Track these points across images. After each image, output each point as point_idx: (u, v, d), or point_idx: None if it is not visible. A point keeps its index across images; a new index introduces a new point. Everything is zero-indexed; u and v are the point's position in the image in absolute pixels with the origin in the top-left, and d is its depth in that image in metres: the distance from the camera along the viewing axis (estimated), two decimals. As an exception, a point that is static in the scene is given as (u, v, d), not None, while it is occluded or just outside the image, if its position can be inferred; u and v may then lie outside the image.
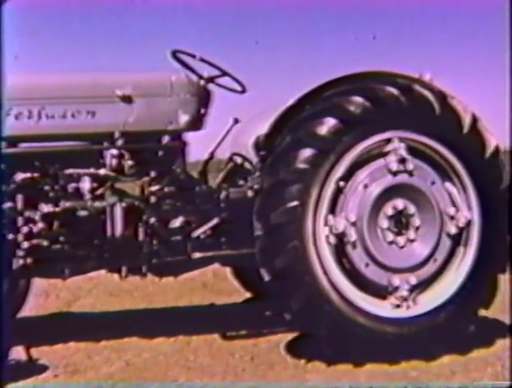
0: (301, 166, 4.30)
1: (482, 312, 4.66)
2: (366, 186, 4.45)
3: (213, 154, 5.16)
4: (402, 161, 4.49)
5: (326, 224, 4.37)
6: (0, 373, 3.88)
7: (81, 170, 4.60)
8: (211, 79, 5.04)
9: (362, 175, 4.47)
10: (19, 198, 4.43)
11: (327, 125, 4.34)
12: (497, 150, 4.65)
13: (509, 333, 4.76)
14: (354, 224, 4.39)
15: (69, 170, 4.59)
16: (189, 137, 4.89)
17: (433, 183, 4.58)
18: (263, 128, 4.78)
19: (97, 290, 6.70)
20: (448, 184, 4.64)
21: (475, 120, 4.59)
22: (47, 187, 4.53)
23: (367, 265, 4.44)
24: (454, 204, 4.62)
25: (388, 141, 4.50)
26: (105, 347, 4.80)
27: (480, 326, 4.63)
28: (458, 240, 4.63)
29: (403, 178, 4.52)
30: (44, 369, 4.32)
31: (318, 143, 4.32)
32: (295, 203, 4.28)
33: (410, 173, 4.52)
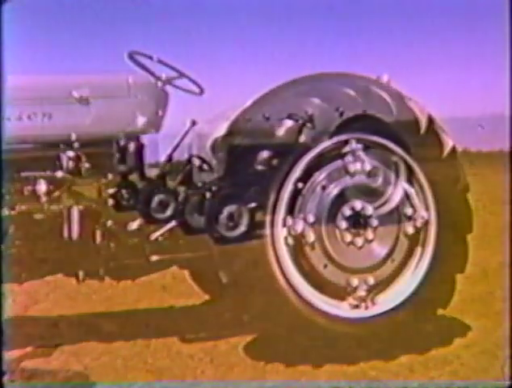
0: (259, 167, 4.30)
1: (440, 311, 4.70)
2: (324, 187, 4.46)
3: (171, 157, 5.13)
4: (360, 162, 4.51)
5: (284, 225, 4.37)
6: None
7: (37, 173, 4.56)
8: (168, 81, 5.01)
9: (320, 176, 4.48)
10: (-26, 201, 4.38)
11: (285, 127, 4.34)
12: (453, 151, 4.69)
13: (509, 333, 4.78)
14: (312, 225, 4.40)
15: (26, 173, 4.54)
16: (146, 139, 4.87)
17: (390, 183, 4.60)
18: (221, 129, 4.76)
19: (54, 294, 6.62)
20: (405, 185, 4.67)
21: (431, 121, 4.63)
22: (3, 191, 4.47)
23: (325, 266, 4.45)
24: (411, 204, 4.65)
25: (346, 142, 4.51)
26: (63, 351, 4.76)
27: (438, 325, 4.68)
28: (415, 240, 4.66)
29: (361, 179, 4.54)
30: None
31: (276, 145, 4.33)
32: (253, 205, 4.28)
33: (368, 174, 4.55)
